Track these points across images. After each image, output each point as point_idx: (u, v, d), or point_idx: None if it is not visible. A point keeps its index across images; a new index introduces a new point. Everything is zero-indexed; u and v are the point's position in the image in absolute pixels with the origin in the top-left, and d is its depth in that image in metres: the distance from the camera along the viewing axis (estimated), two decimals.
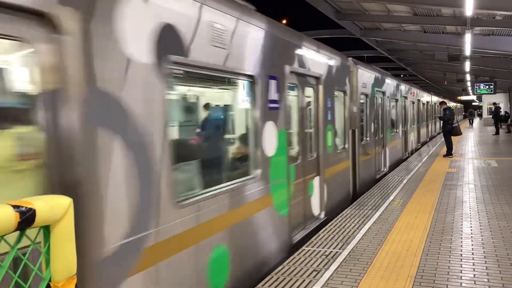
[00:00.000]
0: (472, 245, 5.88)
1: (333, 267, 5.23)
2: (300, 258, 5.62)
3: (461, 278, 4.79)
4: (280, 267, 5.33)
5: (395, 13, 15.66)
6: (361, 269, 5.13)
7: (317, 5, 14.53)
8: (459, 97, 55.92)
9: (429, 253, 5.59)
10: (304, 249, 5.96)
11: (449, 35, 18.10)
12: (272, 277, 5.03)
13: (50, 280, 1.87)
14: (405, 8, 14.95)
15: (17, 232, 1.75)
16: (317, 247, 6.00)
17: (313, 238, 6.46)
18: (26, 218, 1.70)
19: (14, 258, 1.78)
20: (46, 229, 1.85)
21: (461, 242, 6.00)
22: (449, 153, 16.13)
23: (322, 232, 6.72)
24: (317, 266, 5.30)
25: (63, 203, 1.85)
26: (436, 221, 7.08)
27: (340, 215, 7.77)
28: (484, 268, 5.06)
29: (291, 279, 4.94)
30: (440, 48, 20.72)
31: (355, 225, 7.03)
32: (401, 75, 37.37)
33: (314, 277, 4.96)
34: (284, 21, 23.50)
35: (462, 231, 6.51)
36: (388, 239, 6.25)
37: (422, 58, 26.43)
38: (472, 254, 5.54)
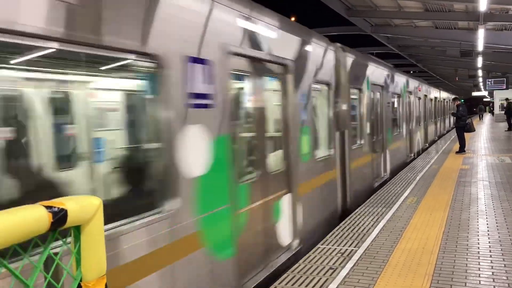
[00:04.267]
0: (489, 242, 5.84)
1: (349, 265, 5.22)
2: (315, 256, 5.62)
3: (479, 276, 4.76)
4: (296, 265, 5.34)
5: (407, 9, 15.55)
6: (377, 267, 5.12)
7: (328, 2, 14.47)
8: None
9: (445, 251, 5.56)
10: (319, 247, 5.96)
11: (461, 31, 17.91)
12: (288, 275, 5.04)
13: (81, 280, 1.89)
14: (416, 4, 14.82)
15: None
16: (332, 245, 6.00)
17: (328, 236, 6.46)
18: (59, 218, 1.72)
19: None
20: (77, 229, 1.87)
21: (478, 240, 5.96)
22: (462, 149, 15.99)
23: (337, 230, 6.71)
24: (333, 264, 5.30)
25: (94, 203, 1.87)
26: (452, 219, 7.03)
27: (354, 212, 7.77)
28: (503, 265, 5.02)
29: (307, 277, 4.94)
30: (452, 44, 20.51)
31: (369, 223, 7.01)
32: (411, 71, 37.15)
33: (330, 275, 4.97)
34: (293, 18, 23.38)
35: (478, 229, 6.47)
36: (404, 236, 6.22)
37: (433, 54, 26.17)
38: (490, 251, 5.50)
